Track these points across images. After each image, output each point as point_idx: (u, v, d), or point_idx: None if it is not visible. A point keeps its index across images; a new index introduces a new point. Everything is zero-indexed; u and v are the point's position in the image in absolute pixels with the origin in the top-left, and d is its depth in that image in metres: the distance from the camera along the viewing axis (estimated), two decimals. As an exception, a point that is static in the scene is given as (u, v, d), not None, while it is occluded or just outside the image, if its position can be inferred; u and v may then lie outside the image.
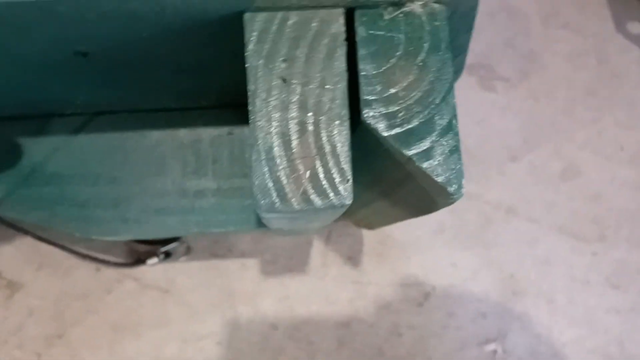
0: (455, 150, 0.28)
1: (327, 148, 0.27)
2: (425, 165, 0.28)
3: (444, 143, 0.28)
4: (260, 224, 0.46)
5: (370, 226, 0.58)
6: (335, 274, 0.62)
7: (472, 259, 0.62)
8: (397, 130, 0.28)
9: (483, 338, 0.59)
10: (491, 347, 0.58)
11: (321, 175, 0.27)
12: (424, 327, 0.59)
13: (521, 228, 0.64)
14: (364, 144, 0.31)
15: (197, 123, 0.47)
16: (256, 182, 0.27)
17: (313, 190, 0.27)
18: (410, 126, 0.28)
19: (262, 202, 0.27)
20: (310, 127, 0.27)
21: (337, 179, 0.27)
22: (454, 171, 0.28)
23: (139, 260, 0.61)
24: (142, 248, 0.63)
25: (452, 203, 0.30)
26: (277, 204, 0.27)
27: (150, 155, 0.47)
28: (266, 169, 0.27)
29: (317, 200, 0.27)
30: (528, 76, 0.74)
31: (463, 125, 0.72)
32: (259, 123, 0.27)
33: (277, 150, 0.27)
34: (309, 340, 0.59)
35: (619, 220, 0.64)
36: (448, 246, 0.63)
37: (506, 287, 0.61)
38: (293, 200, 0.27)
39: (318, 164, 0.27)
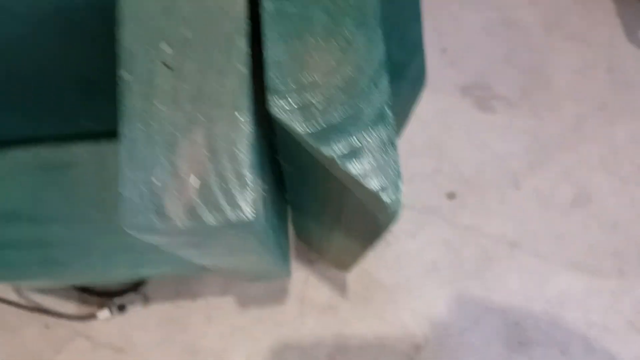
0: (388, 146, 0.23)
1: (223, 150, 0.22)
2: (351, 168, 0.22)
3: (375, 138, 0.23)
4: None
5: (343, 266, 0.52)
6: (313, 326, 0.56)
7: (470, 304, 0.55)
8: (315, 125, 0.22)
9: (485, 398, 0.52)
10: (494, 409, 0.51)
11: (214, 185, 0.22)
12: (415, 386, 0.52)
13: (527, 265, 0.57)
14: (288, 148, 0.25)
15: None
16: (124, 195, 0.21)
17: (203, 204, 0.21)
18: (331, 120, 0.23)
19: (132, 219, 0.21)
20: (202, 124, 0.22)
21: (235, 189, 0.22)
22: (389, 173, 0.23)
23: (90, 314, 0.56)
24: (95, 301, 0.57)
25: (392, 217, 0.24)
26: (154, 223, 0.21)
27: (74, 190, 0.41)
28: (139, 176, 0.21)
29: (208, 217, 0.21)
30: (530, 93, 0.68)
31: (457, 149, 0.66)
32: (131, 118, 0.22)
33: (155, 153, 0.22)
34: (282, 405, 0.53)
35: (641, 253, 0.57)
36: (443, 289, 0.56)
37: (511, 337, 0.54)
38: (175, 217, 0.21)
39: (210, 169, 0.22)
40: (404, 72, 0.36)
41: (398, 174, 0.23)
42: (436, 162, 0.64)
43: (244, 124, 0.22)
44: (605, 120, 0.65)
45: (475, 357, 0.53)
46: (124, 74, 0.22)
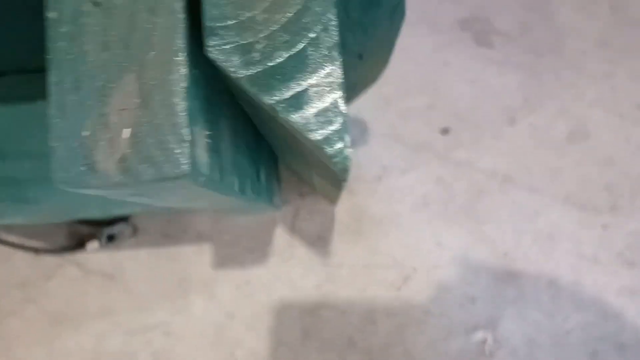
0: (335, 92, 0.21)
1: (156, 96, 0.20)
2: (294, 117, 0.21)
3: (321, 85, 0.21)
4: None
5: (331, 200, 0.53)
6: (303, 256, 0.56)
7: (460, 237, 0.56)
8: (255, 68, 0.21)
9: (471, 325, 0.53)
10: (480, 335, 0.52)
11: (147, 136, 0.20)
12: (403, 314, 0.53)
13: (519, 199, 0.57)
14: (236, 90, 0.24)
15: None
16: (53, 148, 0.20)
17: (136, 157, 0.20)
18: (272, 63, 0.21)
19: (62, 174, 0.20)
20: (133, 68, 0.20)
21: (171, 140, 0.20)
22: (334, 124, 0.21)
23: (78, 244, 0.57)
24: (85, 230, 0.58)
25: (343, 172, 0.23)
26: (84, 177, 0.20)
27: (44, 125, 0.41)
28: (68, 128, 0.20)
29: (141, 171, 0.20)
30: (530, 28, 0.67)
31: (453, 84, 0.66)
32: (59, 64, 0.20)
33: (84, 103, 0.20)
34: (270, 331, 0.54)
35: (634, 188, 0.57)
36: (433, 222, 0.57)
37: (500, 267, 0.55)
38: (106, 171, 0.20)
39: (142, 119, 0.20)
40: (380, 1, 0.35)
41: (345, 126, 0.22)
42: (430, 98, 0.63)
43: (179, 66, 0.20)
44: (606, 58, 0.65)
45: (463, 287, 0.54)
46: (50, 12, 0.21)
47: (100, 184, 0.20)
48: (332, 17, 0.21)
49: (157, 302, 0.55)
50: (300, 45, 0.21)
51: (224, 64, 0.21)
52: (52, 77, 0.20)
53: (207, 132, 0.22)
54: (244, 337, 0.54)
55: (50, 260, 0.58)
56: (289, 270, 0.56)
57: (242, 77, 0.21)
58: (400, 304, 0.54)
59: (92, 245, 0.56)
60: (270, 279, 0.56)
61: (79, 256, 0.57)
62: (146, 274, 0.57)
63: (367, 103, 0.62)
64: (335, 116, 0.21)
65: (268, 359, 0.53)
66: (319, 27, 0.21)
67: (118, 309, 0.56)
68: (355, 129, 0.62)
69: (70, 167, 0.20)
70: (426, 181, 0.59)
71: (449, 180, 0.59)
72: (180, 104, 0.20)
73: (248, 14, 0.21)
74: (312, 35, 0.21)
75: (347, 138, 0.22)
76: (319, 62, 0.21)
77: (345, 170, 0.23)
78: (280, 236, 0.57)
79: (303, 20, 0.21)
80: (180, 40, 0.20)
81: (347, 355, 0.52)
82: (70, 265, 0.57)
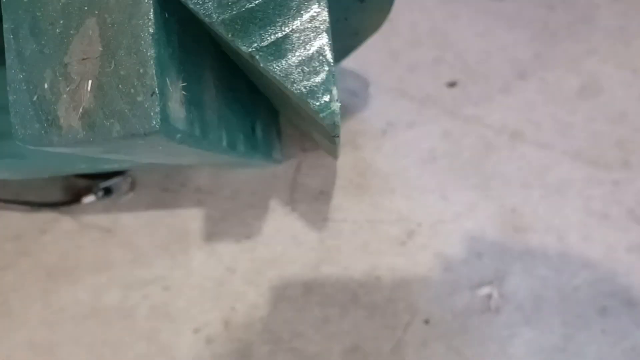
0: (321, 38, 0.19)
1: (121, 42, 0.18)
2: (274, 67, 0.19)
3: (303, 30, 0.19)
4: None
5: (331, 153, 0.51)
6: (305, 210, 0.55)
7: (467, 192, 0.55)
8: (229, 11, 0.19)
9: (477, 281, 0.52)
10: (486, 290, 0.51)
11: (112, 88, 0.18)
12: (407, 269, 0.52)
13: (528, 155, 0.56)
14: (214, 35, 0.22)
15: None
16: (13, 103, 0.18)
17: (100, 111, 0.18)
18: (250, 4, 0.19)
19: (23, 131, 0.18)
20: (94, 11, 0.18)
21: (139, 92, 0.18)
22: (320, 75, 0.19)
23: (74, 198, 0.55)
24: (81, 183, 0.57)
25: (332, 128, 0.21)
26: (45, 135, 0.18)
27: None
28: (28, 81, 0.18)
29: (108, 127, 0.18)
30: (542, -20, 0.64)
31: (462, 38, 0.64)
32: (12, 6, 0.18)
33: (43, 52, 0.18)
34: (271, 286, 0.53)
35: (648, 143, 0.56)
36: (439, 177, 0.56)
37: (507, 222, 0.53)
38: (69, 127, 0.18)
39: (106, 68, 0.18)
40: None
41: (331, 77, 0.19)
42: (439, 50, 0.61)
43: (146, 8, 0.18)
44: (620, 12, 0.63)
45: (469, 242, 0.53)
46: None
47: (63, 142, 0.18)
48: None
49: (156, 256, 0.54)
50: None
51: (196, 6, 0.18)
52: (7, 23, 0.18)
53: (183, 84, 0.20)
54: (245, 291, 0.53)
55: (45, 213, 0.56)
56: (291, 225, 0.55)
57: (216, 22, 0.19)
58: (405, 260, 0.53)
59: (88, 199, 0.55)
60: (271, 233, 0.54)
61: (75, 210, 0.56)
62: (144, 228, 0.56)
63: (372, 55, 0.60)
64: (321, 65, 0.19)
65: (269, 313, 0.52)
66: None
67: (115, 263, 0.54)
68: (360, 82, 0.60)
69: (31, 123, 0.18)
70: (433, 135, 0.57)
71: (457, 134, 0.57)
72: (148, 52, 0.18)
73: None
74: None
75: (335, 91, 0.20)
76: (302, 3, 0.19)
77: (334, 126, 0.21)
78: (282, 191, 0.56)
79: None
80: None
81: (350, 310, 0.51)
82: (65, 219, 0.56)
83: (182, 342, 0.52)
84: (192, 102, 0.21)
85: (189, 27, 0.21)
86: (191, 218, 0.55)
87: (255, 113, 0.42)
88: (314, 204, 0.55)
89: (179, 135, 0.20)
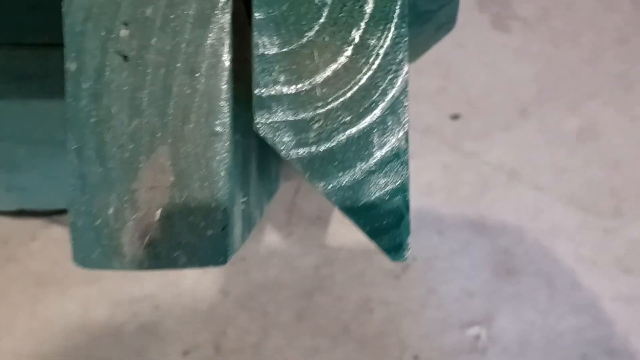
0: (399, 192, 0.19)
1: (193, 174, 0.18)
2: (349, 208, 0.19)
3: (383, 180, 0.19)
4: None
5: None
6: (301, 235, 0.55)
7: (462, 229, 0.56)
8: (308, 149, 0.18)
9: (467, 320, 0.53)
10: (474, 331, 0.52)
11: (180, 219, 0.18)
12: (400, 303, 0.53)
13: (524, 196, 0.57)
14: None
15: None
16: (74, 224, 0.18)
17: (167, 242, 0.18)
18: (329, 144, 0.18)
19: (82, 255, 0.18)
20: (167, 139, 0.17)
21: (207, 225, 0.18)
22: (395, 226, 0.19)
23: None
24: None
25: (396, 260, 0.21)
26: (107, 261, 0.18)
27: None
28: (87, 201, 0.18)
29: (173, 258, 0.18)
30: (550, 16, 0.65)
31: (466, 68, 0.64)
32: (78, 126, 0.17)
33: (110, 176, 0.18)
34: (263, 311, 0.53)
35: (639, 194, 0.57)
36: (436, 211, 0.56)
37: (499, 263, 0.55)
38: (133, 255, 0.18)
39: (176, 199, 0.18)
40: (430, 17, 0.32)
41: (406, 228, 0.19)
42: (442, 80, 0.62)
43: (222, 141, 0.18)
44: (623, 56, 0.64)
45: (461, 280, 0.54)
46: (69, 63, 0.17)
47: (125, 267, 0.18)
48: (404, 96, 0.19)
49: (147, 273, 0.54)
50: (364, 128, 0.19)
51: (274, 141, 0.18)
52: (72, 142, 0.18)
53: (243, 199, 0.20)
54: (237, 315, 0.53)
55: (35, 219, 0.55)
56: (287, 250, 0.55)
57: (294, 159, 0.18)
58: (398, 293, 0.54)
59: (82, 208, 0.54)
60: (266, 257, 0.55)
61: (66, 217, 0.55)
62: (137, 241, 0.55)
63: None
64: (397, 215, 0.19)
65: (260, 339, 0.52)
66: (386, 109, 0.19)
67: (105, 276, 0.54)
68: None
69: (92, 248, 0.18)
70: (432, 168, 0.58)
71: (455, 169, 0.58)
72: (221, 186, 0.18)
73: (306, 85, 0.18)
74: (378, 116, 0.19)
75: (408, 241, 0.19)
76: (383, 149, 0.19)
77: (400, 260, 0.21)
78: (279, 214, 0.56)
79: (370, 98, 0.19)
80: (225, 111, 0.18)
81: (341, 342, 0.52)
82: (55, 226, 0.55)
83: (169, 361, 0.52)
84: (245, 211, 0.21)
85: (246, 132, 0.21)
86: (186, 235, 0.55)
87: (273, 164, 0.42)
88: (311, 228, 0.56)
89: (233, 255, 0.20)
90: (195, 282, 0.54)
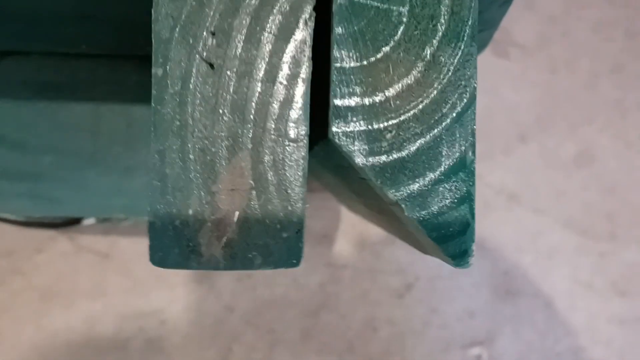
0: (466, 200, 0.20)
1: (272, 178, 0.19)
2: (418, 216, 0.20)
3: (451, 188, 0.20)
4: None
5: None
6: (307, 254, 0.56)
7: (464, 249, 0.57)
8: (381, 158, 0.19)
9: (468, 340, 0.54)
10: (476, 351, 0.53)
11: (257, 221, 0.19)
12: (403, 322, 0.54)
13: (523, 218, 0.59)
14: (341, 167, 0.23)
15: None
16: (154, 226, 0.18)
17: (244, 243, 0.19)
18: (401, 154, 0.19)
19: (159, 255, 0.19)
20: (247, 145, 0.18)
21: (283, 228, 0.19)
22: (461, 233, 0.20)
23: (75, 219, 0.55)
24: (82, 204, 0.56)
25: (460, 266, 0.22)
26: (184, 261, 0.19)
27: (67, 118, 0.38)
28: (168, 202, 0.18)
29: (250, 259, 0.19)
30: (548, 43, 0.67)
31: (469, 93, 0.66)
32: (163, 129, 0.18)
33: (191, 179, 0.18)
34: (269, 328, 0.54)
35: (633, 218, 0.59)
36: (439, 232, 0.58)
37: (499, 284, 0.56)
38: (211, 256, 0.19)
39: (255, 202, 0.19)
40: None
41: (472, 235, 0.20)
42: (446, 103, 0.63)
43: (300, 148, 0.19)
44: (619, 83, 0.66)
45: (463, 300, 0.55)
46: (156, 68, 0.18)
47: (201, 267, 0.19)
48: (471, 110, 0.20)
49: (154, 287, 0.54)
50: (434, 138, 0.20)
51: (348, 149, 0.19)
52: (156, 145, 0.18)
53: (306, 206, 0.21)
54: (243, 332, 0.54)
55: (40, 231, 0.55)
56: (293, 268, 0.56)
57: (367, 168, 0.19)
58: (402, 312, 0.55)
59: (89, 220, 0.54)
60: (273, 274, 0.55)
61: (73, 230, 0.55)
62: (143, 255, 0.55)
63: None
64: (464, 222, 0.20)
65: (265, 356, 0.53)
66: (455, 121, 0.20)
67: (111, 290, 0.54)
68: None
69: (170, 248, 0.18)
70: (435, 190, 0.60)
71: (457, 191, 0.60)
72: (297, 190, 0.19)
73: (380, 97, 0.19)
74: (447, 128, 0.20)
75: (473, 246, 0.20)
76: (452, 159, 0.20)
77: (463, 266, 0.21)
78: (285, 231, 0.57)
79: (440, 111, 0.20)
80: (303, 119, 0.19)
81: (346, 360, 0.53)
82: (62, 239, 0.55)
83: (175, 376, 0.53)
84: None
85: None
86: (192, 250, 0.56)
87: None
88: (317, 247, 0.57)
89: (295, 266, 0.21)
90: (201, 298, 0.54)
